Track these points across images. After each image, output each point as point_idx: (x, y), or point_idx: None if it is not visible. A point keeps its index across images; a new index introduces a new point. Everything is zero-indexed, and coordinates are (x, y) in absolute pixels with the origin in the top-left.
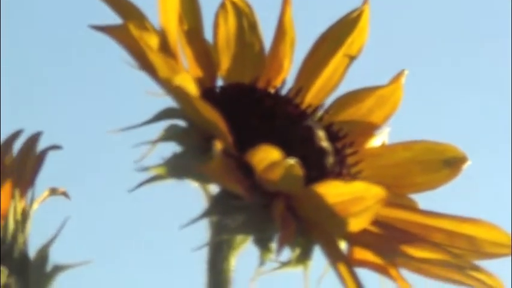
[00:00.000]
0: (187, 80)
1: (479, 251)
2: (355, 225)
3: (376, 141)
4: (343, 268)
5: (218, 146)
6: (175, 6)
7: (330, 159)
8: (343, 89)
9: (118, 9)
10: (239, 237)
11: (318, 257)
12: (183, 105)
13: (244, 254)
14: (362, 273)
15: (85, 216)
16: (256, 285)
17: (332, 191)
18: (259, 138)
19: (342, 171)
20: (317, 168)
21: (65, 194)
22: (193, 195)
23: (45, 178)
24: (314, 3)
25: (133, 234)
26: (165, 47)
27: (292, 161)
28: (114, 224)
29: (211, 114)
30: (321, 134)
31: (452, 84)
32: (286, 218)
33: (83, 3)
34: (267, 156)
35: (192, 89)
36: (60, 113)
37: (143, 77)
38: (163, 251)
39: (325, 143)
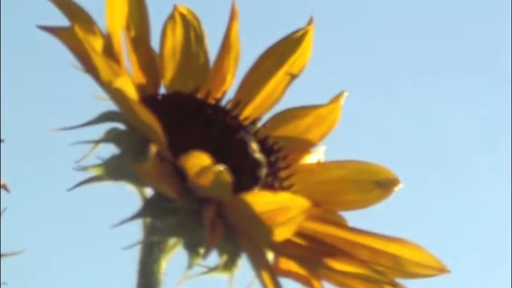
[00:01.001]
0: (127, 83)
1: (403, 270)
2: (280, 234)
3: (312, 158)
4: (266, 276)
5: (153, 149)
6: (122, 12)
7: (263, 170)
8: (283, 105)
9: (66, 11)
10: (171, 241)
11: (248, 265)
12: (122, 108)
13: (176, 258)
14: (286, 283)
15: (22, 209)
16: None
17: (259, 200)
18: (195, 145)
19: (273, 183)
20: (249, 178)
21: (4, 186)
22: (130, 198)
23: None
24: (259, 20)
25: (69, 231)
26: (110, 51)
27: (221, 167)
28: (50, 219)
29: (148, 118)
30: (254, 145)
31: (390, 108)
32: (215, 223)
33: (31, 3)
34: (198, 161)
35: (131, 92)
36: (6, 108)
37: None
38: (97, 249)
39: (258, 154)
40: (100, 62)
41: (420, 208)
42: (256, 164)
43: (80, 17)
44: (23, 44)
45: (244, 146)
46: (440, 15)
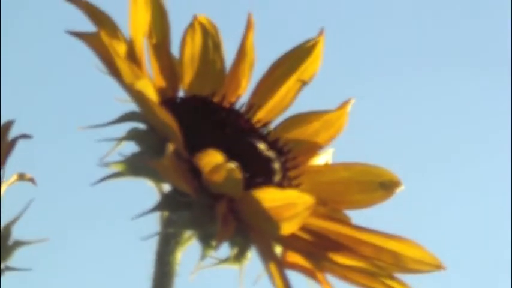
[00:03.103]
0: (148, 86)
1: (403, 266)
2: (287, 229)
3: (320, 160)
4: (273, 268)
5: (171, 147)
6: (145, 20)
7: (276, 164)
8: (293, 110)
9: (93, 18)
10: (186, 234)
11: (257, 257)
12: (143, 109)
13: (190, 249)
14: (292, 275)
15: (48, 201)
16: (195, 277)
17: (268, 196)
18: (210, 145)
19: (282, 182)
20: (259, 176)
21: (31, 179)
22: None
23: (15, 163)
24: (274, 30)
25: (92, 222)
26: (132, 56)
27: (233, 165)
28: (75, 211)
29: (167, 118)
30: (262, 146)
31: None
32: (227, 218)
33: (60, 9)
34: (212, 159)
35: (151, 94)
36: (36, 106)
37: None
38: (118, 240)
39: (268, 153)
40: (123, 65)
41: (420, 208)
42: (268, 160)
43: (105, 23)
44: (53, 48)
45: (255, 146)
46: (445, 14)
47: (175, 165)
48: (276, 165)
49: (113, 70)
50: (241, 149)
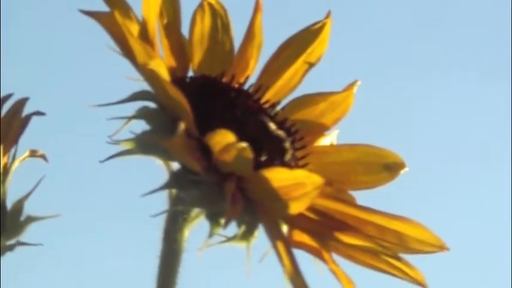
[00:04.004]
0: (161, 65)
1: (406, 246)
2: (295, 208)
3: (325, 141)
4: (281, 247)
5: (182, 126)
6: (156, 0)
7: (287, 143)
8: (301, 91)
9: None
10: (194, 212)
11: (264, 236)
12: (155, 88)
13: (198, 227)
14: (299, 254)
15: (59, 177)
16: (203, 255)
17: (277, 176)
18: (220, 124)
19: (289, 161)
20: (269, 155)
21: (43, 156)
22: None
23: (27, 140)
24: (282, 12)
25: (101, 199)
26: (145, 36)
27: (244, 144)
28: (83, 187)
29: (178, 98)
30: (272, 125)
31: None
32: (235, 196)
33: None
34: (223, 139)
35: (164, 73)
36: (48, 84)
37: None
38: (127, 217)
39: (278, 132)
40: (136, 45)
41: (424, 189)
42: (280, 139)
43: (118, 3)
44: (66, 26)
45: (265, 126)
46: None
47: (186, 143)
48: (286, 145)
49: (126, 50)
50: (251, 129)
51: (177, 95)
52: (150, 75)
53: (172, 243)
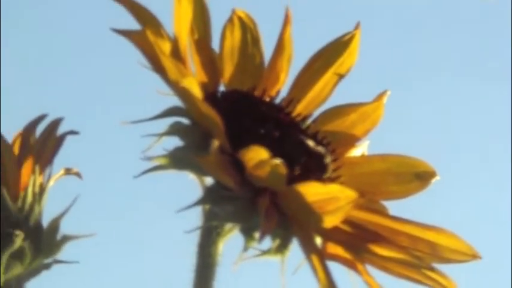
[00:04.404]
0: (193, 83)
1: (439, 255)
2: (329, 222)
3: (357, 151)
4: (315, 260)
5: (215, 143)
6: (188, 17)
7: (328, 159)
8: (331, 103)
9: (138, 17)
10: (227, 226)
11: (297, 250)
12: (188, 105)
13: (232, 241)
14: (333, 266)
15: (93, 195)
16: (238, 268)
17: (311, 190)
18: (253, 139)
19: (323, 175)
20: (314, 169)
21: (77, 174)
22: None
23: (63, 158)
24: (312, 25)
25: (137, 215)
26: (176, 53)
27: (277, 161)
28: (119, 204)
29: (212, 115)
30: (311, 142)
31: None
32: (269, 211)
33: (106, 8)
34: (256, 155)
35: (196, 91)
36: (82, 103)
37: (156, 78)
38: (163, 232)
39: (319, 148)
40: (168, 63)
41: (456, 198)
42: (321, 155)
43: (150, 21)
44: (99, 44)
45: (303, 144)
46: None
47: (220, 160)
48: (327, 160)
49: (158, 67)
50: (285, 143)
51: (210, 113)
52: (182, 93)
53: (206, 257)
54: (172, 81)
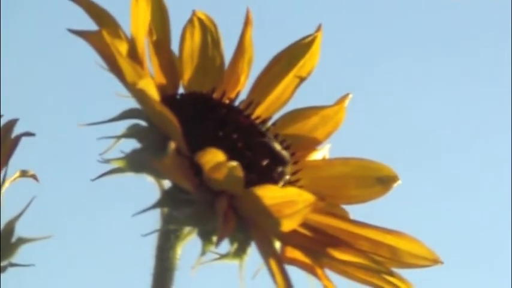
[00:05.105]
0: (150, 84)
1: (400, 260)
2: (287, 225)
3: (318, 155)
4: (273, 264)
5: (172, 145)
6: (145, 18)
7: (288, 166)
8: (291, 106)
9: (95, 17)
10: (186, 230)
11: (256, 253)
12: (145, 107)
13: (191, 245)
14: (292, 270)
15: (49, 197)
16: (196, 272)
17: (268, 193)
18: (210, 142)
19: (281, 178)
20: (260, 173)
21: (34, 176)
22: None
23: (17, 161)
24: (272, 26)
25: (93, 219)
26: (134, 54)
27: (234, 163)
28: (75, 207)
29: (168, 117)
30: (277, 145)
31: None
32: (227, 214)
33: (62, 8)
34: (213, 157)
35: (153, 93)
36: (37, 104)
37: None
38: (119, 236)
39: (283, 152)
40: (125, 64)
41: (417, 203)
42: (283, 160)
43: (107, 22)
44: (54, 45)
45: (269, 146)
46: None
47: (177, 163)
48: (287, 170)
49: (115, 68)
50: (242, 146)
51: (167, 114)
52: (139, 95)
53: (164, 261)
54: (129, 83)
